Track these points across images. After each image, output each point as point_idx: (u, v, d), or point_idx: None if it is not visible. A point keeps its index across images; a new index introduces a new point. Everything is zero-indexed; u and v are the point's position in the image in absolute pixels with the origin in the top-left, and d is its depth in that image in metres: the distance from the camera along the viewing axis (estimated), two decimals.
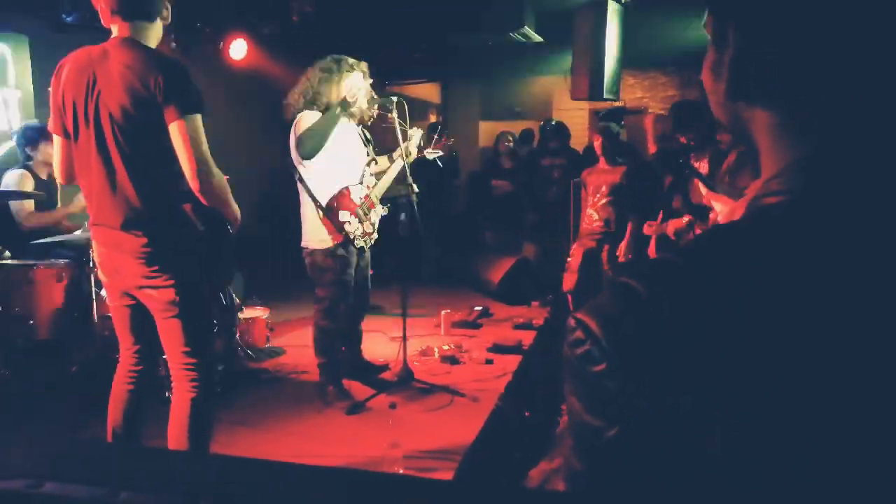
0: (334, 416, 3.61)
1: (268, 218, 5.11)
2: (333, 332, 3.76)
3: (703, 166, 4.16)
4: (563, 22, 5.92)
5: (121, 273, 2.30)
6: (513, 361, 4.50)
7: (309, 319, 3.95)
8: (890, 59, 0.55)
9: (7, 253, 3.71)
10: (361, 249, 3.76)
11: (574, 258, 4.96)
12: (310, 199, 3.59)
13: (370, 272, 4.04)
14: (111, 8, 2.19)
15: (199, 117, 2.17)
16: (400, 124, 3.78)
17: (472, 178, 7.70)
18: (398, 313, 4.21)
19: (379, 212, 3.81)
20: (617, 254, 4.73)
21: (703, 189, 3.23)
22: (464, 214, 7.60)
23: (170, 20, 2.32)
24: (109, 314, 2.67)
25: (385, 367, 4.28)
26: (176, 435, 2.35)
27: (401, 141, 3.79)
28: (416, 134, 3.93)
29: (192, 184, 2.18)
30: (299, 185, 3.63)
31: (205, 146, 2.18)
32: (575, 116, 8.63)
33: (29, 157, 4.08)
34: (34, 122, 4.17)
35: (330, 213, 3.56)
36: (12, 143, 4.45)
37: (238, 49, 6.34)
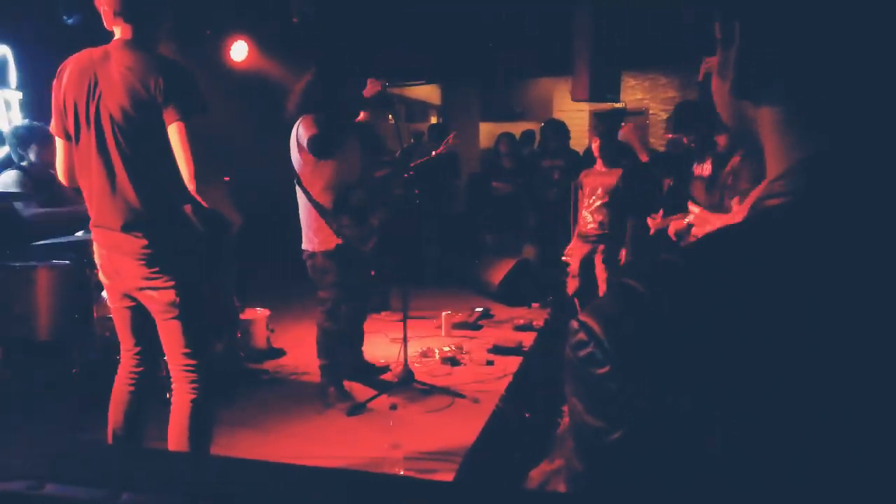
0: (335, 418, 3.61)
1: (268, 219, 5.11)
2: (336, 334, 3.76)
3: (706, 169, 4.16)
4: (564, 22, 5.93)
5: (121, 274, 2.30)
6: (513, 363, 4.51)
7: (309, 321, 3.95)
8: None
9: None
10: (362, 251, 3.76)
11: (573, 262, 4.97)
12: (310, 202, 3.59)
13: (371, 273, 4.04)
14: (114, 10, 2.20)
15: (199, 119, 2.17)
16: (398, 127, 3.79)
17: (473, 180, 7.71)
18: (398, 320, 4.21)
19: (378, 214, 3.81)
20: (619, 258, 4.73)
21: (693, 209, 3.25)
22: (464, 215, 7.60)
23: (172, 22, 2.33)
24: (110, 315, 2.68)
25: (386, 369, 4.28)
26: (176, 436, 2.35)
27: (401, 144, 3.79)
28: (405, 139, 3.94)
29: (190, 185, 2.18)
30: (299, 188, 3.64)
31: (203, 148, 2.18)
32: (575, 117, 8.64)
33: (22, 158, 4.07)
34: (24, 122, 4.16)
35: (330, 216, 3.57)
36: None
37: (239, 50, 6.35)
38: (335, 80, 3.65)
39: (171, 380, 2.39)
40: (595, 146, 4.90)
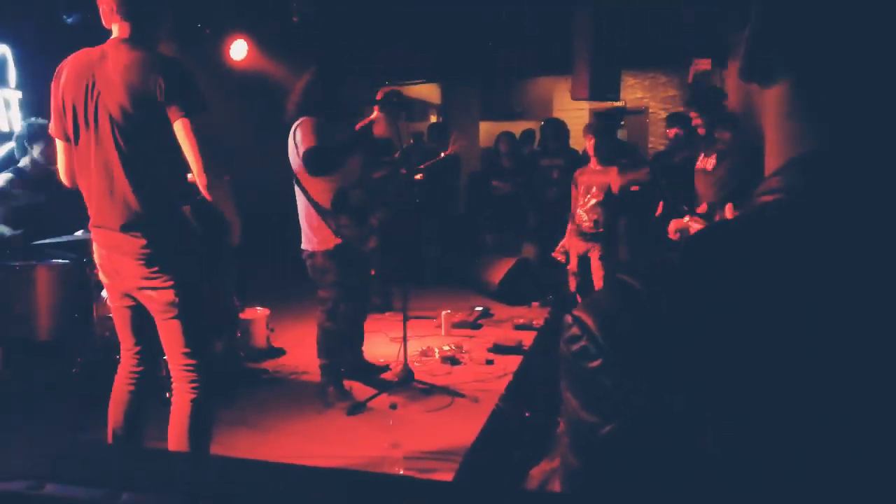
0: (335, 417, 3.61)
1: (268, 218, 5.11)
2: (336, 333, 3.76)
3: (710, 162, 4.17)
4: (564, 22, 5.93)
5: (121, 274, 2.30)
6: (513, 362, 4.50)
7: (309, 320, 3.95)
8: None
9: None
10: (361, 251, 3.76)
11: (572, 259, 4.99)
12: (309, 202, 3.59)
13: (371, 273, 4.04)
14: (112, 8, 2.19)
15: (203, 116, 2.17)
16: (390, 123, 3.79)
17: (472, 179, 7.70)
18: (398, 319, 4.21)
19: (377, 215, 3.81)
20: (603, 253, 4.76)
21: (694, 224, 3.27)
22: (464, 215, 7.60)
23: (171, 21, 2.32)
24: (110, 315, 2.67)
25: (386, 368, 4.29)
26: (176, 436, 2.35)
27: (401, 145, 3.79)
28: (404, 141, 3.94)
29: (200, 179, 2.18)
30: (298, 188, 3.64)
31: (207, 145, 2.18)
32: (575, 116, 8.63)
33: (25, 153, 4.06)
34: (41, 119, 4.15)
35: (329, 215, 3.56)
36: (13, 144, 4.44)
37: (239, 49, 6.34)
38: (335, 79, 3.64)
39: (171, 379, 2.39)
40: (589, 145, 4.92)
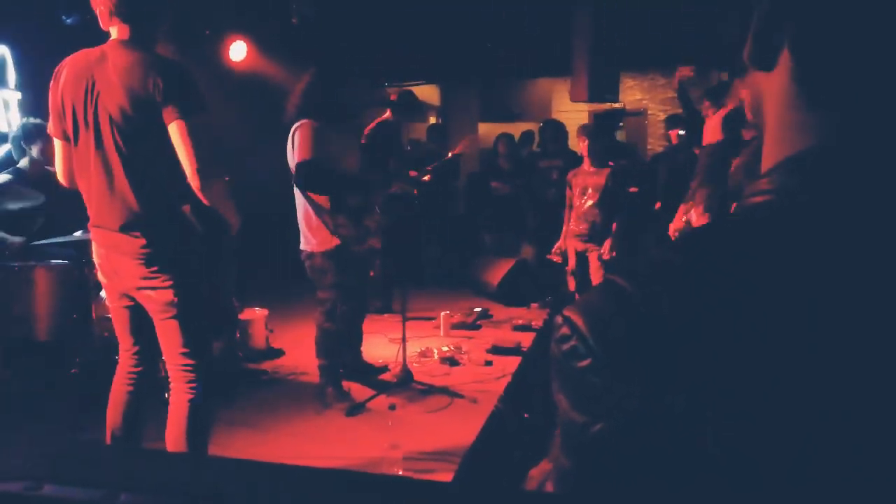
0: (334, 418, 3.61)
1: (267, 219, 5.11)
2: (335, 334, 3.76)
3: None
4: (563, 23, 5.94)
5: (120, 274, 2.30)
6: (512, 363, 4.50)
7: (308, 321, 3.95)
8: None
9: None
10: (360, 251, 3.75)
11: (570, 259, 5.01)
12: (308, 203, 3.59)
13: (369, 274, 4.04)
14: (110, 9, 2.19)
15: (199, 117, 2.17)
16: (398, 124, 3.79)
17: (471, 180, 7.70)
18: (397, 320, 4.21)
19: (375, 216, 3.81)
20: (602, 251, 4.78)
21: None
22: (463, 216, 7.60)
23: (170, 21, 2.32)
24: (109, 315, 2.67)
25: (384, 369, 4.28)
26: (174, 436, 2.34)
27: (399, 145, 3.79)
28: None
29: (193, 182, 2.18)
30: (297, 189, 3.64)
31: (205, 146, 2.18)
32: (574, 118, 8.63)
33: (24, 153, 4.05)
34: (35, 119, 4.14)
35: (328, 216, 3.56)
36: (10, 146, 4.43)
37: (238, 51, 6.34)
38: (334, 80, 3.64)
39: (170, 380, 2.39)
40: (583, 147, 4.95)
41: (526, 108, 10.06)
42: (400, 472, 2.86)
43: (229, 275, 4.31)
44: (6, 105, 4.78)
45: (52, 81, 2.28)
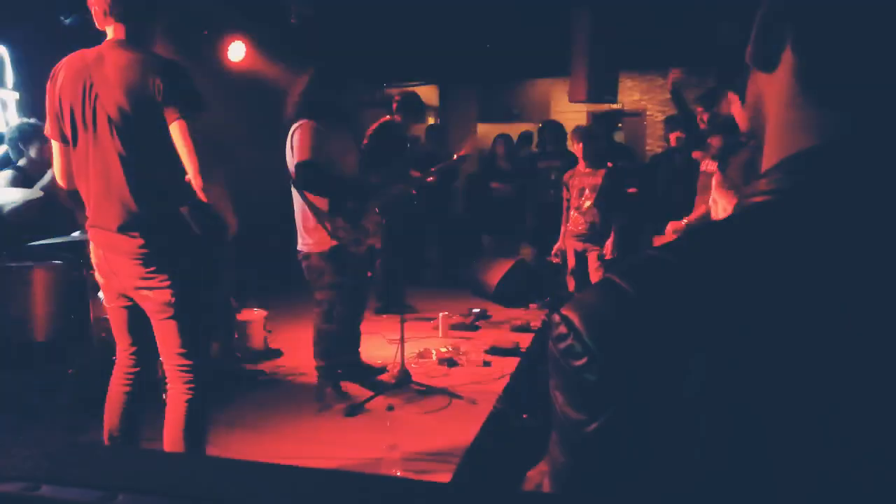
0: (332, 419, 3.60)
1: (266, 219, 5.11)
2: (333, 335, 3.76)
3: (711, 165, 4.19)
4: (562, 24, 5.94)
5: (117, 274, 2.29)
6: (510, 363, 4.50)
7: (307, 321, 3.94)
8: None
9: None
10: (357, 252, 3.75)
11: (570, 259, 5.03)
12: (306, 204, 3.59)
13: (368, 275, 4.04)
14: (104, 10, 2.19)
15: (200, 116, 2.17)
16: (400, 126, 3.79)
17: (470, 181, 7.71)
18: (396, 320, 4.20)
19: (374, 218, 3.81)
20: (602, 252, 4.79)
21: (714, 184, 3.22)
22: (462, 217, 7.60)
23: (165, 21, 2.32)
24: (106, 316, 2.67)
25: (383, 370, 4.28)
26: (172, 437, 2.34)
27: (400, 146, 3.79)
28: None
29: (195, 181, 2.18)
30: (295, 189, 3.64)
31: (205, 145, 2.18)
32: (573, 118, 8.64)
33: (21, 154, 4.05)
34: (31, 119, 4.14)
35: (325, 217, 3.56)
36: (4, 147, 4.42)
37: (236, 51, 6.34)
38: (333, 81, 3.64)
39: (167, 380, 2.38)
40: (578, 148, 4.97)
41: (525, 108, 10.07)
42: (398, 473, 2.86)
43: (227, 275, 4.30)
44: (4, 105, 4.77)
45: (48, 83, 2.27)
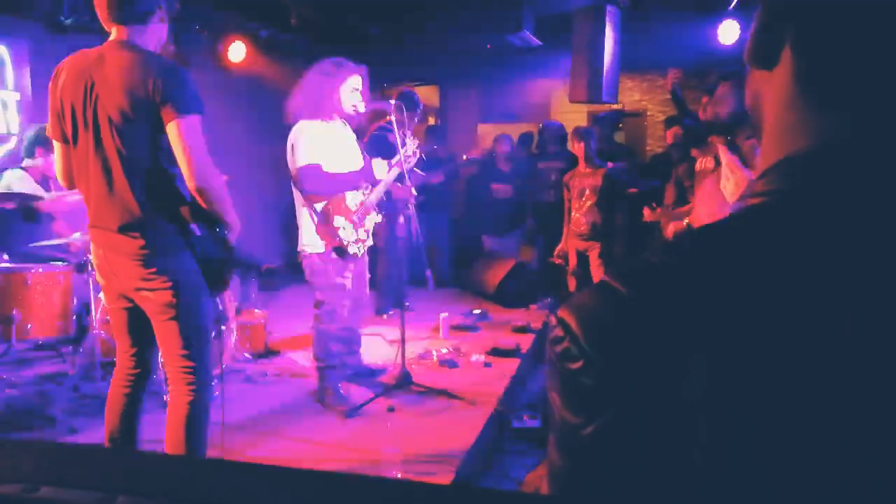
0: (332, 420, 3.60)
1: (266, 220, 5.12)
2: (332, 336, 3.76)
3: (708, 163, 4.18)
4: (562, 25, 5.94)
5: (118, 275, 2.29)
6: (511, 365, 4.51)
7: (307, 322, 3.94)
8: None
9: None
10: (357, 253, 3.75)
11: (571, 260, 5.04)
12: (306, 204, 3.59)
13: (367, 276, 4.04)
14: (103, 14, 2.20)
15: (197, 118, 2.17)
16: (398, 125, 3.78)
17: (470, 182, 7.71)
18: (397, 320, 4.20)
19: (373, 218, 3.81)
20: (604, 251, 4.81)
21: (724, 158, 3.18)
22: (462, 217, 7.60)
23: (168, 21, 2.32)
24: (107, 317, 2.67)
25: (383, 371, 4.28)
26: (173, 438, 2.34)
27: (399, 147, 3.79)
28: (411, 143, 3.92)
29: (190, 183, 2.17)
30: (296, 190, 3.64)
31: (203, 147, 2.18)
32: (573, 119, 8.64)
33: (31, 155, 4.05)
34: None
35: (325, 218, 3.56)
36: (10, 145, 4.43)
37: (237, 52, 6.34)
38: (334, 81, 3.64)
39: (168, 381, 2.38)
40: (578, 149, 4.97)
41: (525, 109, 10.07)
42: (399, 475, 2.86)
43: (227, 276, 4.30)
44: (4, 105, 4.77)
45: (50, 83, 2.27)
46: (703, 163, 4.24)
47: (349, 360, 4.08)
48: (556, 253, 5.20)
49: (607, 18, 5.55)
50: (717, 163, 4.10)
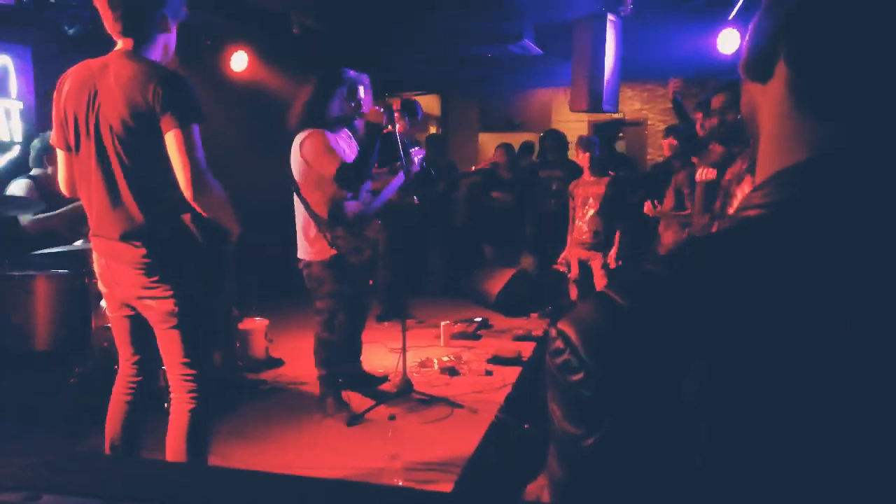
0: (333, 428, 3.59)
1: (267, 228, 5.12)
2: (334, 344, 3.75)
3: (709, 173, 4.19)
4: (563, 34, 5.96)
5: (120, 284, 2.30)
6: (512, 373, 4.50)
7: (308, 331, 3.94)
8: None
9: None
10: (357, 261, 3.75)
11: (573, 268, 5.04)
12: (308, 212, 3.60)
13: (369, 283, 4.04)
14: (109, 25, 2.22)
15: (195, 128, 2.17)
16: (400, 135, 3.79)
17: (472, 190, 7.73)
18: (399, 329, 4.20)
19: (374, 227, 3.81)
20: (607, 260, 4.80)
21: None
22: (463, 226, 7.61)
23: (174, 30, 2.33)
24: (108, 325, 2.67)
25: (384, 379, 4.27)
26: (174, 446, 2.34)
27: (401, 156, 3.80)
28: (413, 152, 3.93)
29: (187, 193, 2.18)
30: (297, 198, 3.64)
31: (200, 156, 2.18)
32: (574, 128, 8.66)
33: (40, 164, 4.06)
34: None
35: (326, 226, 3.57)
36: (14, 154, 4.44)
37: (239, 61, 6.37)
38: (336, 91, 3.65)
39: (170, 390, 2.38)
40: (583, 158, 4.98)
41: (526, 118, 10.10)
42: (400, 483, 2.85)
43: (229, 284, 4.30)
44: (7, 114, 4.79)
45: (55, 91, 2.29)
46: (703, 173, 4.24)
47: (350, 369, 4.08)
48: (559, 260, 5.21)
49: (608, 27, 5.56)
50: (719, 173, 4.11)
